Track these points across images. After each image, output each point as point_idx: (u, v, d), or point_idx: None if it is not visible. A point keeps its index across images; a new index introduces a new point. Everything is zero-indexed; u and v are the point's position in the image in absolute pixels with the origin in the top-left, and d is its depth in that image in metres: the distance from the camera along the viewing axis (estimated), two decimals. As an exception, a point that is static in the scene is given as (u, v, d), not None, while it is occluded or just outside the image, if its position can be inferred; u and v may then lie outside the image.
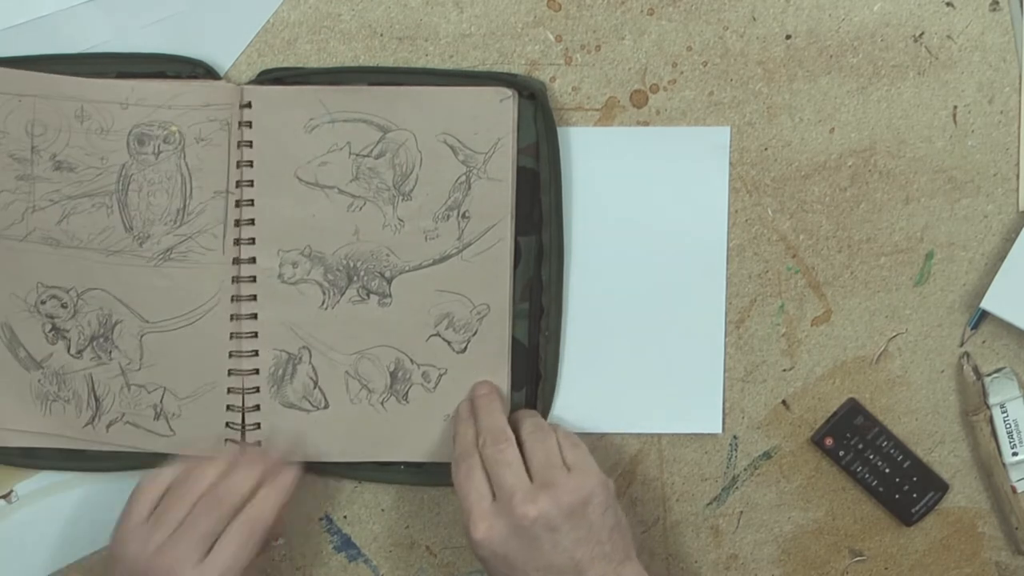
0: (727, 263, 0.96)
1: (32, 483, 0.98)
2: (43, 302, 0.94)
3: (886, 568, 1.01)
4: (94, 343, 0.94)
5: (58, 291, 0.94)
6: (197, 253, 0.93)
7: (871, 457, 0.98)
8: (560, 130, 0.93)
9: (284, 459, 0.93)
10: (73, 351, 0.95)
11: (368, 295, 0.94)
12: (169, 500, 0.89)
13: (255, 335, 0.95)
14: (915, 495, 0.99)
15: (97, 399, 0.95)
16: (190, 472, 0.90)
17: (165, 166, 0.92)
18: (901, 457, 0.98)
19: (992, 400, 0.97)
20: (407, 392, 0.96)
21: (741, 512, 1.00)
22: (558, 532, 0.86)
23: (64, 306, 0.94)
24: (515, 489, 0.86)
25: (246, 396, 0.95)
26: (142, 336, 0.94)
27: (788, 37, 0.94)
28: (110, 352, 0.95)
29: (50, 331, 0.95)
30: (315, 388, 0.95)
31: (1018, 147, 0.95)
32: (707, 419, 0.98)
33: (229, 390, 0.95)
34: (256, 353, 0.95)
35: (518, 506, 0.86)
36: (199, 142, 0.92)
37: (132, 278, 0.93)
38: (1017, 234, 0.94)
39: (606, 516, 0.88)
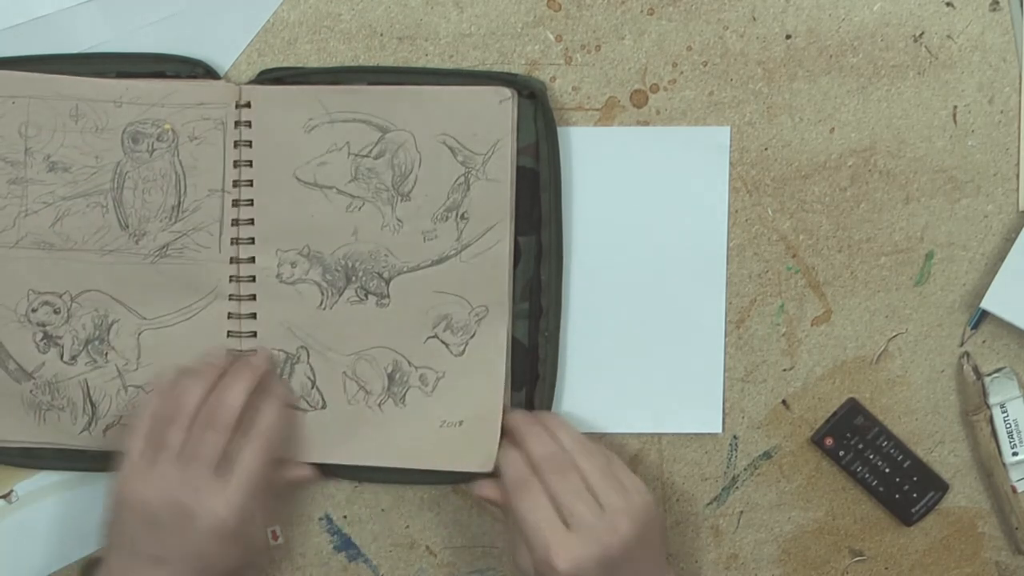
0: (727, 263, 0.96)
1: (32, 483, 0.98)
2: (34, 310, 0.94)
3: (886, 568, 1.01)
4: (89, 347, 0.94)
5: (50, 297, 0.94)
6: (192, 250, 0.93)
7: (871, 457, 0.98)
8: (560, 130, 0.93)
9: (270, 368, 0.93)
10: (66, 358, 0.95)
11: (366, 296, 0.94)
12: (162, 428, 0.88)
13: (254, 334, 0.95)
14: (915, 495, 0.99)
15: (93, 404, 0.95)
16: (176, 392, 0.89)
17: (159, 164, 0.92)
18: (901, 457, 0.98)
19: (992, 400, 0.97)
20: (404, 395, 0.96)
21: (741, 512, 1.00)
22: (633, 553, 0.86)
23: (56, 312, 0.94)
24: (592, 518, 0.86)
25: (245, 396, 0.96)
26: (140, 334, 0.94)
27: (788, 37, 0.93)
28: (106, 354, 0.95)
29: (41, 339, 0.94)
30: (313, 388, 0.95)
31: (1018, 147, 0.95)
32: (707, 419, 0.98)
33: (229, 389, 0.95)
34: (255, 353, 0.95)
35: (602, 535, 0.85)
36: (192, 140, 0.92)
37: (128, 275, 0.94)
38: (1017, 234, 0.94)
39: (663, 531, 0.91)
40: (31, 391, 0.95)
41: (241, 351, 0.94)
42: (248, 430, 0.89)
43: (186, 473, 0.86)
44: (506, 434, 0.94)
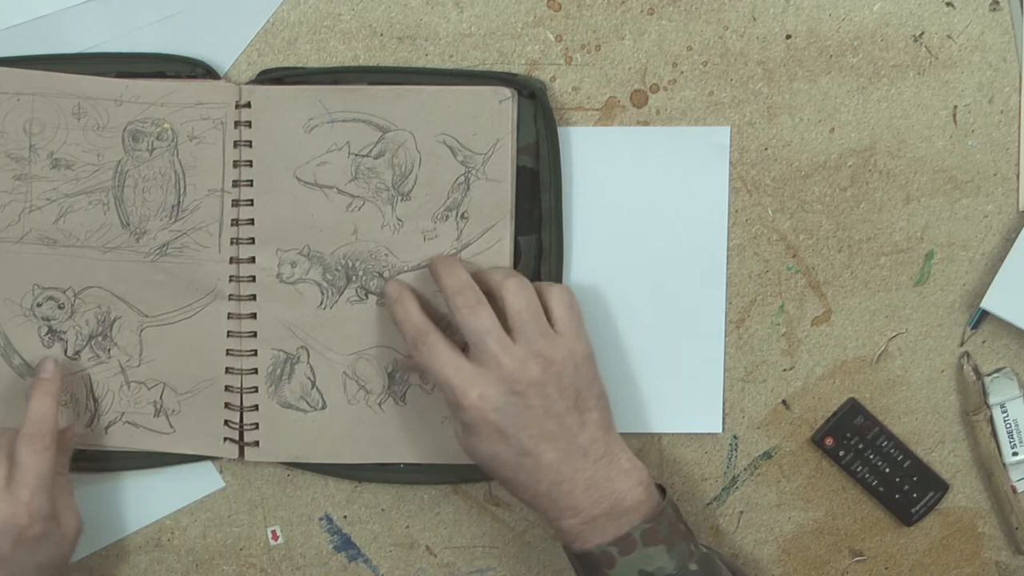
0: (727, 263, 0.96)
1: (32, 483, 0.98)
2: (39, 304, 0.94)
3: (886, 568, 1.01)
4: (92, 342, 0.95)
5: (55, 292, 0.94)
6: (193, 249, 0.93)
7: (871, 457, 0.98)
8: (560, 130, 0.93)
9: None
10: (71, 352, 0.95)
11: (367, 295, 0.94)
12: None
13: (254, 334, 0.95)
14: (915, 495, 0.99)
15: (96, 400, 0.95)
16: None
17: (159, 163, 0.92)
18: (901, 457, 0.98)
19: (992, 400, 0.97)
20: (404, 393, 0.96)
21: (741, 512, 1.00)
22: (548, 397, 0.85)
23: (61, 307, 0.94)
24: (500, 354, 0.85)
25: (245, 395, 0.96)
26: (142, 331, 0.94)
27: (788, 37, 0.93)
28: (109, 350, 0.95)
29: (46, 334, 0.95)
30: (313, 388, 0.95)
31: (1018, 147, 0.95)
32: (707, 419, 0.98)
33: (228, 389, 0.95)
34: (255, 352, 0.95)
35: (508, 371, 0.84)
36: (192, 140, 0.92)
37: (130, 274, 0.94)
38: (1017, 234, 0.94)
39: (594, 384, 0.88)
40: (35, 386, 0.95)
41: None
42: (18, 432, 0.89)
43: None
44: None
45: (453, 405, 0.86)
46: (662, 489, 0.89)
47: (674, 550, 0.85)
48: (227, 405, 0.96)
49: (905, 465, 0.98)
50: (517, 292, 0.87)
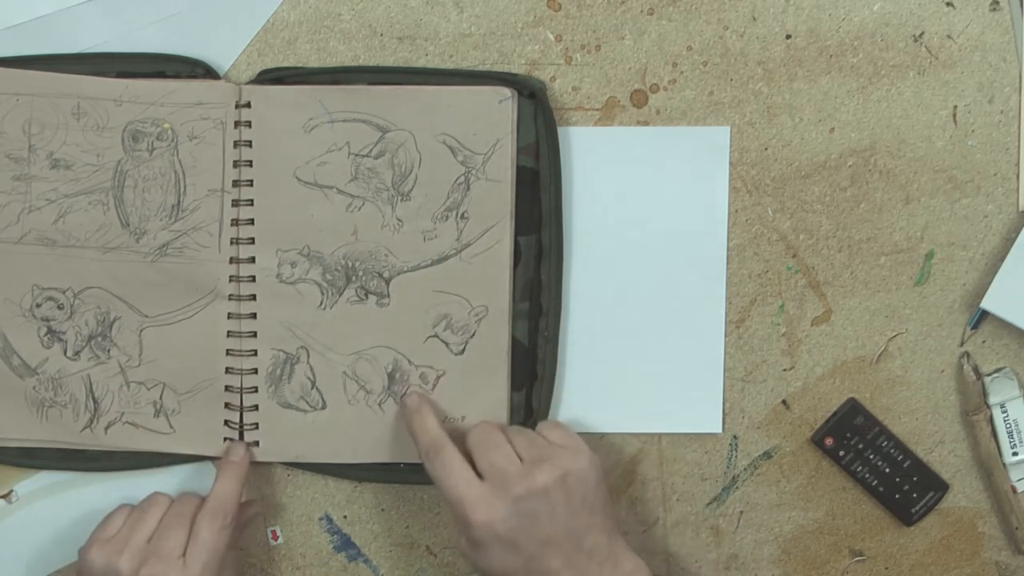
0: (727, 263, 0.96)
1: (32, 483, 0.98)
2: (39, 305, 0.94)
3: (886, 568, 1.01)
4: (92, 342, 0.95)
5: (54, 292, 0.94)
6: (192, 249, 0.93)
7: (871, 457, 0.98)
8: (560, 130, 0.93)
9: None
10: (70, 353, 0.95)
11: (366, 295, 0.94)
12: (131, 522, 0.92)
13: (254, 335, 0.95)
14: (915, 495, 0.99)
15: (95, 400, 0.95)
16: (142, 508, 0.93)
17: (159, 163, 0.92)
18: (901, 457, 0.98)
19: (992, 400, 0.97)
20: (404, 393, 0.96)
21: (741, 512, 1.00)
22: (555, 504, 0.86)
23: (60, 307, 0.94)
24: (508, 468, 0.87)
25: (245, 395, 0.96)
26: (141, 331, 0.94)
27: (788, 37, 0.93)
28: (108, 351, 0.95)
29: (45, 335, 0.95)
30: (313, 388, 0.95)
31: (1018, 147, 0.95)
32: (707, 419, 0.98)
33: (228, 389, 0.95)
34: (255, 353, 0.95)
35: (516, 483, 0.86)
36: (192, 140, 0.92)
37: (129, 274, 0.94)
38: (1017, 234, 0.94)
39: (599, 489, 0.89)
40: (34, 387, 0.95)
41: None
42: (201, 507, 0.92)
43: (159, 552, 0.89)
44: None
45: (462, 521, 0.87)
46: None
47: None
48: (227, 405, 0.96)
49: (905, 465, 0.98)
50: (509, 428, 0.92)
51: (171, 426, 0.96)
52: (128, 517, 0.93)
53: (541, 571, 0.86)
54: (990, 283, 0.95)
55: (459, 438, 0.91)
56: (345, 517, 1.00)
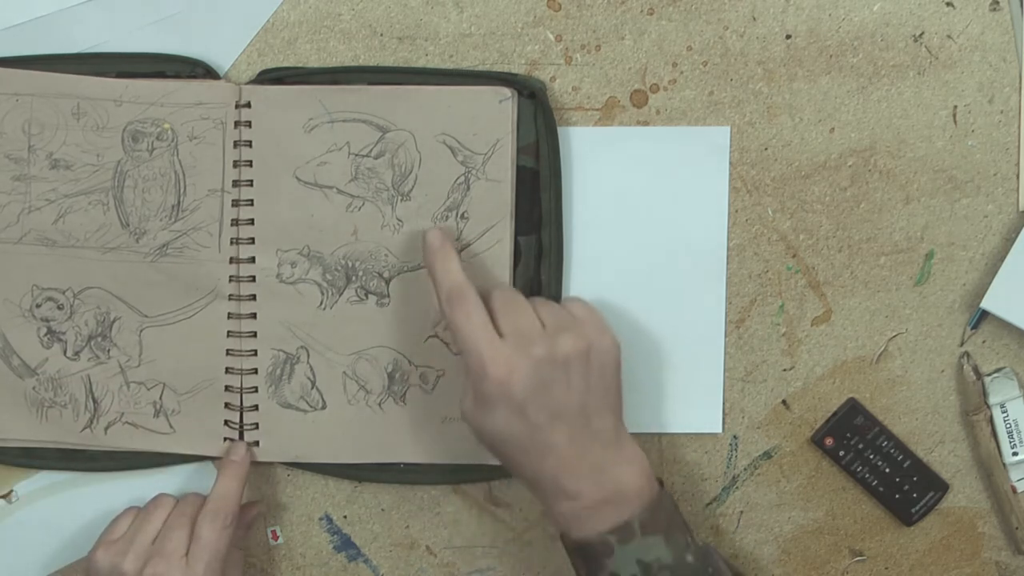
0: (727, 263, 0.96)
1: (32, 483, 0.98)
2: (38, 305, 0.94)
3: (886, 568, 1.01)
4: (92, 343, 0.95)
5: (54, 292, 0.94)
6: (192, 250, 0.93)
7: (871, 457, 0.98)
8: (560, 130, 0.93)
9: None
10: (70, 353, 0.95)
11: (366, 295, 0.94)
12: (137, 524, 0.93)
13: (254, 335, 0.95)
14: (915, 495, 0.99)
15: (95, 400, 0.95)
16: (147, 509, 0.94)
17: (159, 163, 0.92)
18: (901, 457, 0.98)
19: (992, 400, 0.97)
20: (404, 393, 0.96)
21: (741, 512, 1.00)
22: (573, 376, 0.84)
23: (60, 308, 0.94)
24: (532, 331, 0.84)
25: (244, 395, 0.96)
26: (141, 331, 0.94)
27: (788, 37, 0.93)
28: (108, 351, 0.95)
29: (45, 335, 0.95)
30: (313, 388, 0.95)
31: (1018, 147, 0.95)
32: (707, 419, 0.98)
33: (228, 389, 0.95)
34: (255, 353, 0.95)
35: (538, 346, 0.83)
36: (192, 140, 0.92)
37: (129, 274, 0.94)
38: (1017, 234, 0.94)
39: (616, 372, 0.87)
40: (34, 387, 0.95)
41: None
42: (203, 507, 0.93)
43: (164, 552, 0.90)
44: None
45: (477, 375, 0.83)
46: (660, 482, 0.89)
47: (671, 541, 0.85)
48: (227, 405, 0.96)
49: (905, 465, 0.98)
50: (535, 299, 0.88)
51: (171, 426, 0.96)
52: (134, 519, 0.93)
53: (543, 443, 0.84)
54: (990, 283, 0.95)
55: (481, 296, 0.87)
56: (345, 517, 1.00)
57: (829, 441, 0.98)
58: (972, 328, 0.97)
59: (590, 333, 0.86)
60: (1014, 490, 0.98)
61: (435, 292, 0.88)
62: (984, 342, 0.97)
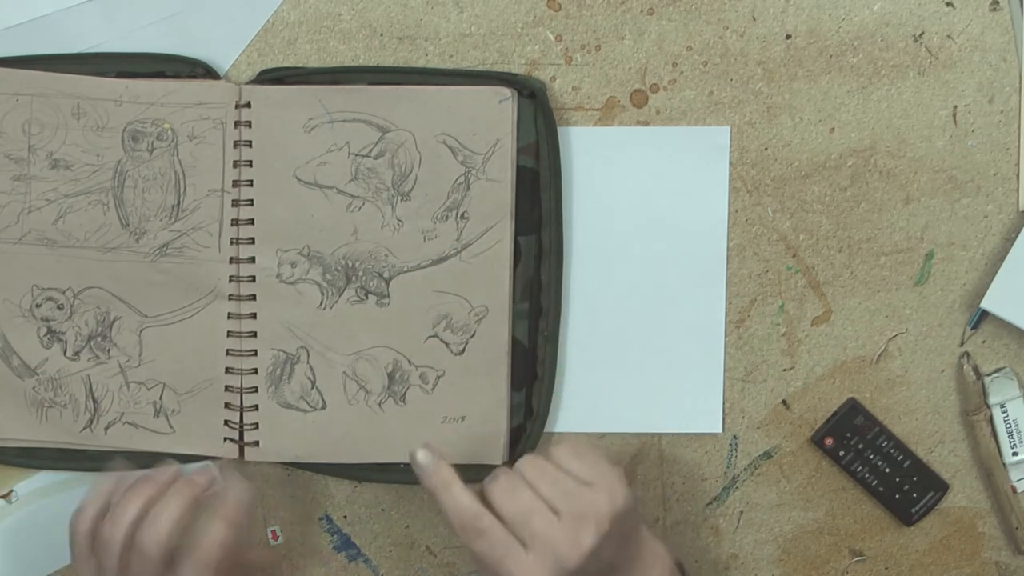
0: (727, 263, 0.96)
1: (32, 483, 0.98)
2: (38, 305, 0.94)
3: (886, 568, 1.01)
4: (92, 343, 0.95)
5: (54, 292, 0.94)
6: (193, 250, 0.93)
7: (871, 457, 0.98)
8: (560, 130, 0.93)
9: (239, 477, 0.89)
10: (70, 353, 0.95)
11: (366, 295, 0.94)
12: (98, 544, 0.86)
13: (254, 335, 0.95)
14: (915, 495, 0.99)
15: (95, 400, 0.95)
16: (114, 505, 0.87)
17: (159, 163, 0.92)
18: (901, 457, 0.98)
19: (992, 400, 0.97)
20: (404, 393, 0.96)
21: (741, 512, 1.00)
22: (602, 552, 0.82)
23: (60, 307, 0.94)
24: (551, 533, 0.81)
25: (245, 396, 0.96)
26: (141, 331, 0.94)
27: (788, 37, 0.93)
28: (108, 351, 0.95)
29: (45, 335, 0.95)
30: (313, 388, 0.95)
31: (1018, 147, 0.95)
32: (707, 419, 0.98)
33: (228, 389, 0.95)
34: (255, 353, 0.95)
35: (566, 555, 0.80)
36: (192, 140, 0.92)
37: (129, 274, 0.94)
38: (1017, 234, 0.94)
39: (637, 519, 0.86)
40: (34, 388, 0.95)
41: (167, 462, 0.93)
42: (186, 550, 0.86)
43: None
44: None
45: None
46: (681, 568, 0.89)
47: None
48: (227, 405, 0.96)
49: (905, 465, 0.98)
50: (527, 468, 0.84)
51: (171, 426, 0.96)
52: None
53: None
54: (990, 283, 0.95)
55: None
56: (345, 517, 1.00)
57: (829, 441, 0.98)
58: (972, 328, 0.97)
59: (604, 505, 0.82)
60: (1014, 490, 0.98)
61: (444, 514, 0.85)
62: (984, 342, 0.97)
